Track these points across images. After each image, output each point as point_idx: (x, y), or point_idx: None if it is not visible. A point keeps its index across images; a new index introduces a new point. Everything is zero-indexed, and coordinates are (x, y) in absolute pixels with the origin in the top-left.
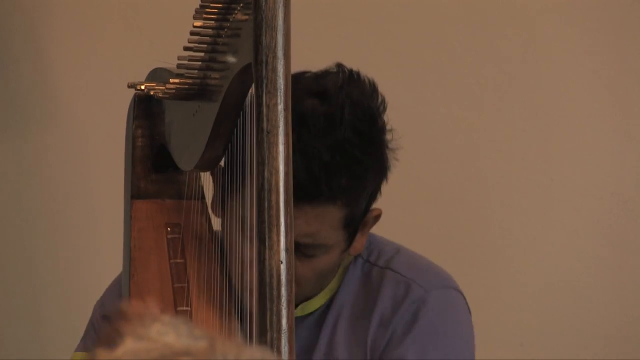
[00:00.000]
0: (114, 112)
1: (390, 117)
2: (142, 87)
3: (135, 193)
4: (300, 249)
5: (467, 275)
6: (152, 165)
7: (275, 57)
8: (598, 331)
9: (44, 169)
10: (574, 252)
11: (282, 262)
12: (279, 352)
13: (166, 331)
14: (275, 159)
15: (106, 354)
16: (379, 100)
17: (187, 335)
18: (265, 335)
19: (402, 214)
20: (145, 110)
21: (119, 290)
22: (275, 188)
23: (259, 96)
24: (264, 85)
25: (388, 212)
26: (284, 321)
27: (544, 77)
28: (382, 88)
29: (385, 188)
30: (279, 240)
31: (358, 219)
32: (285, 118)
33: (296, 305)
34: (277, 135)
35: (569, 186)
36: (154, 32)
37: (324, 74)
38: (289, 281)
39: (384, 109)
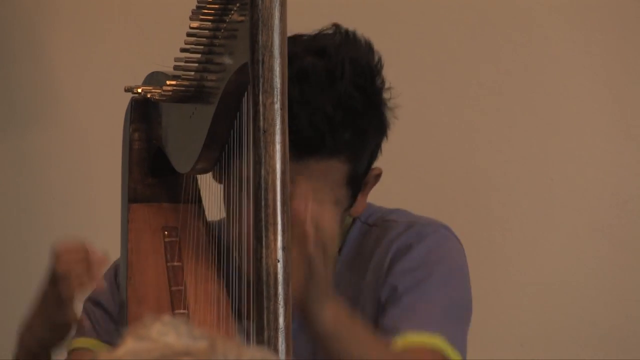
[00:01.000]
0: (113, 112)
1: (391, 117)
2: (139, 90)
3: (132, 197)
4: None
5: None
6: (149, 169)
7: (271, 56)
8: (598, 331)
9: (43, 169)
10: (574, 252)
11: (279, 261)
12: (276, 350)
13: (166, 331)
14: (272, 157)
15: (107, 354)
16: (376, 58)
17: (187, 336)
18: (262, 333)
19: None
20: (142, 113)
21: (110, 278)
22: (272, 187)
23: (255, 95)
24: (261, 84)
25: None
26: (281, 320)
27: (544, 77)
28: None
29: (385, 188)
30: (275, 239)
31: (360, 176)
32: (282, 117)
33: None
34: (273, 134)
35: (569, 186)
36: (154, 32)
37: (321, 34)
38: (285, 280)
39: (382, 67)
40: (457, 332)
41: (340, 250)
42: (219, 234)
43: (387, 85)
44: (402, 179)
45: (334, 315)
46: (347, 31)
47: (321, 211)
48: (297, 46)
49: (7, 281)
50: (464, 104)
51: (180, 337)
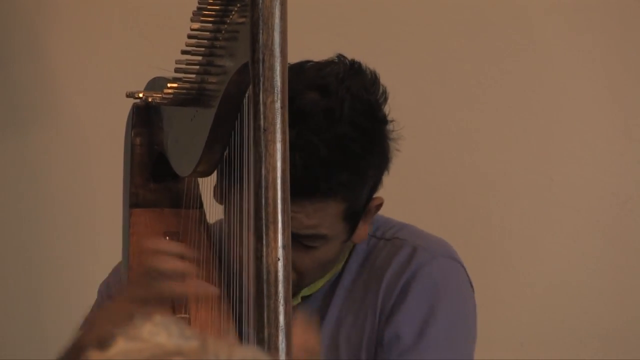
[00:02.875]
0: (114, 112)
1: (390, 117)
2: (141, 95)
3: (134, 202)
4: (301, 241)
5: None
6: (151, 174)
7: (272, 55)
8: (598, 331)
9: (43, 169)
10: (574, 252)
11: (279, 259)
12: (276, 349)
13: (157, 331)
14: (272, 156)
15: (98, 354)
16: (380, 91)
17: (178, 335)
18: (262, 332)
19: (402, 214)
20: (144, 118)
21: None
22: (272, 185)
23: (256, 94)
24: (261, 84)
25: (388, 212)
26: (281, 318)
27: (544, 77)
28: None
29: (385, 188)
30: (276, 237)
31: (359, 210)
32: (282, 116)
33: (297, 294)
34: (274, 132)
35: (569, 186)
36: (154, 32)
37: (326, 65)
38: (286, 278)
39: (385, 100)
40: None
41: (346, 264)
42: (219, 237)
43: (389, 118)
44: (402, 179)
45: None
46: (352, 63)
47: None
48: (301, 81)
49: (7, 281)
50: (464, 104)
51: (171, 337)
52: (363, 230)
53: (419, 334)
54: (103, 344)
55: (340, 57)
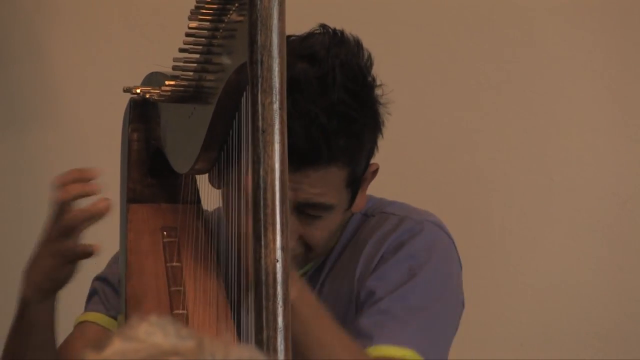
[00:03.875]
0: (114, 112)
1: (391, 117)
2: (138, 90)
3: (131, 197)
4: (306, 211)
5: (467, 275)
6: (148, 169)
7: (270, 56)
8: (598, 331)
9: (43, 168)
10: (574, 252)
11: (277, 261)
12: (275, 350)
13: (154, 331)
14: (271, 157)
15: (95, 354)
16: (366, 56)
17: (174, 335)
18: (261, 333)
19: None
20: (141, 114)
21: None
22: (270, 187)
23: (254, 95)
24: (259, 84)
25: None
26: (280, 319)
27: (544, 77)
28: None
29: (385, 188)
30: (274, 239)
31: (359, 176)
32: (281, 117)
33: (304, 267)
34: (272, 134)
35: (569, 186)
36: (154, 32)
37: (309, 36)
38: (284, 279)
39: (371, 64)
40: (432, 346)
41: (335, 242)
42: (217, 224)
43: (377, 82)
44: (402, 179)
45: (297, 294)
46: (334, 31)
47: None
48: (288, 53)
49: (7, 281)
50: (464, 103)
51: (167, 337)
52: (361, 198)
53: (392, 291)
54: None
55: (323, 26)
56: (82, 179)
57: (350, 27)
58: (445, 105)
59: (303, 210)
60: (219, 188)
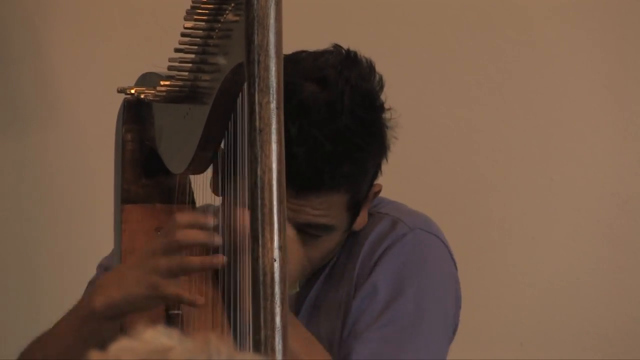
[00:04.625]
0: (113, 112)
1: (388, 105)
2: (132, 91)
3: (125, 197)
4: (307, 231)
5: (467, 274)
6: (143, 170)
7: (267, 55)
8: (598, 331)
9: (43, 169)
10: (574, 252)
11: (275, 260)
12: (272, 350)
13: (159, 336)
14: (268, 157)
15: (99, 354)
16: (377, 79)
17: (179, 339)
18: (259, 333)
19: None
20: (135, 114)
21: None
22: (268, 186)
23: (251, 95)
24: (256, 84)
25: None
26: (277, 319)
27: (544, 76)
28: None
29: (385, 188)
30: (272, 238)
31: (361, 199)
32: (278, 116)
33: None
34: (269, 133)
35: (569, 186)
36: (154, 32)
37: (322, 55)
38: (282, 279)
39: (382, 87)
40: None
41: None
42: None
43: (387, 106)
44: (401, 178)
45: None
46: (347, 52)
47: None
48: (298, 73)
49: (7, 281)
50: (464, 103)
51: (172, 339)
52: (362, 216)
53: (386, 302)
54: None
55: (336, 46)
56: (201, 225)
57: (349, 27)
58: (445, 105)
59: (303, 230)
60: (219, 195)
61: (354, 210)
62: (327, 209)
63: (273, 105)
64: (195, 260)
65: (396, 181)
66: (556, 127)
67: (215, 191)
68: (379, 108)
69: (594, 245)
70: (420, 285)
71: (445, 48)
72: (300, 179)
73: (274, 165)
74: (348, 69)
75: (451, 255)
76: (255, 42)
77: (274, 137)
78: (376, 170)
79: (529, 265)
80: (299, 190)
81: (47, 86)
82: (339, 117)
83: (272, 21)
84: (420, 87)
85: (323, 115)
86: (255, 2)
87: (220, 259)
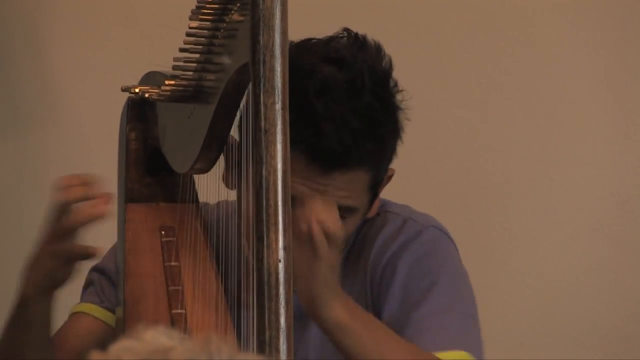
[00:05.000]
0: (114, 112)
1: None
2: (137, 90)
3: (129, 196)
4: None
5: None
6: (146, 169)
7: (272, 56)
8: (598, 331)
9: (43, 168)
10: (574, 252)
11: (280, 261)
12: (277, 351)
13: (159, 336)
14: (274, 157)
15: (100, 354)
16: (387, 61)
17: (179, 339)
18: (263, 334)
19: None
20: (139, 113)
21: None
22: (273, 187)
23: (256, 95)
24: (262, 85)
25: None
26: (282, 320)
27: (544, 77)
28: None
29: (385, 188)
30: (277, 239)
31: (380, 180)
32: (283, 117)
33: None
34: (275, 134)
35: (569, 186)
36: (155, 32)
37: (332, 39)
38: (287, 280)
39: (392, 69)
40: (475, 341)
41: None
42: (217, 219)
43: (399, 87)
44: (401, 178)
45: (345, 309)
46: (357, 35)
47: (325, 210)
48: (313, 55)
49: (7, 281)
50: (464, 103)
51: (172, 340)
52: (376, 203)
53: (422, 293)
54: None
55: (346, 29)
56: (84, 182)
57: (352, 27)
58: (445, 105)
59: None
60: (231, 189)
61: (373, 191)
62: (350, 189)
63: (278, 106)
64: (82, 213)
65: (396, 181)
66: (556, 127)
67: (227, 185)
68: (393, 88)
69: (594, 245)
70: (448, 273)
71: (446, 48)
72: (328, 155)
73: (279, 166)
74: (362, 50)
75: (458, 254)
76: (261, 42)
77: (279, 138)
78: (393, 152)
79: (529, 265)
80: (326, 167)
81: (47, 86)
82: (360, 95)
83: (277, 21)
84: (420, 87)
85: (345, 94)
86: (261, 2)
87: (105, 205)
